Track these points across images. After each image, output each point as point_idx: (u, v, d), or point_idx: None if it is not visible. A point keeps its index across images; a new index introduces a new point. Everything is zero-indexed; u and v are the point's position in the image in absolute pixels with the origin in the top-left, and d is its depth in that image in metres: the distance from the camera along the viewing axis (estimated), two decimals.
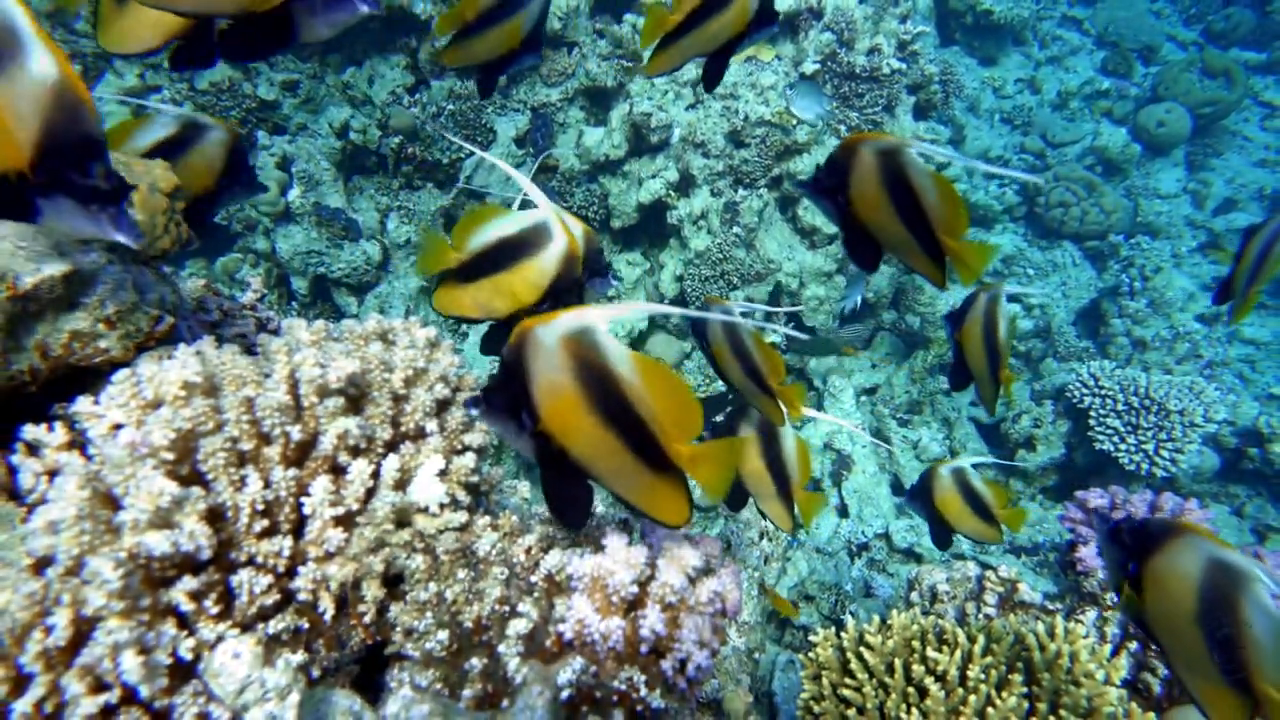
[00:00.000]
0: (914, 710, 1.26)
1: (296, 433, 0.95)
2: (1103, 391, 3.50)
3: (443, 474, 1.03)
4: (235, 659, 0.84)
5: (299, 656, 0.90)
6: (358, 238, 3.46)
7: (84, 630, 0.80)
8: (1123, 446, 3.40)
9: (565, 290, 1.10)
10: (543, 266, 1.10)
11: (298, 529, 0.95)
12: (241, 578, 0.88)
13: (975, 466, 1.72)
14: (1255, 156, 5.45)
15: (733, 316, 1.21)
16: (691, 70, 3.68)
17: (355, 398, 1.03)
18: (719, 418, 1.48)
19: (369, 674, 1.00)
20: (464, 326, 3.64)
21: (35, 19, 0.71)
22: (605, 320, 0.78)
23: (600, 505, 1.15)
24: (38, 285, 0.97)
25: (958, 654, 1.30)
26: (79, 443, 0.93)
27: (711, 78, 1.33)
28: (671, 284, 3.60)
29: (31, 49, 0.70)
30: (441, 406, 1.09)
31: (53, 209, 0.78)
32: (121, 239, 0.78)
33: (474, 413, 1.00)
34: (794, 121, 3.50)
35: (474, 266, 1.13)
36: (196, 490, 0.88)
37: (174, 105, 2.19)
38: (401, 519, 1.01)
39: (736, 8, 1.25)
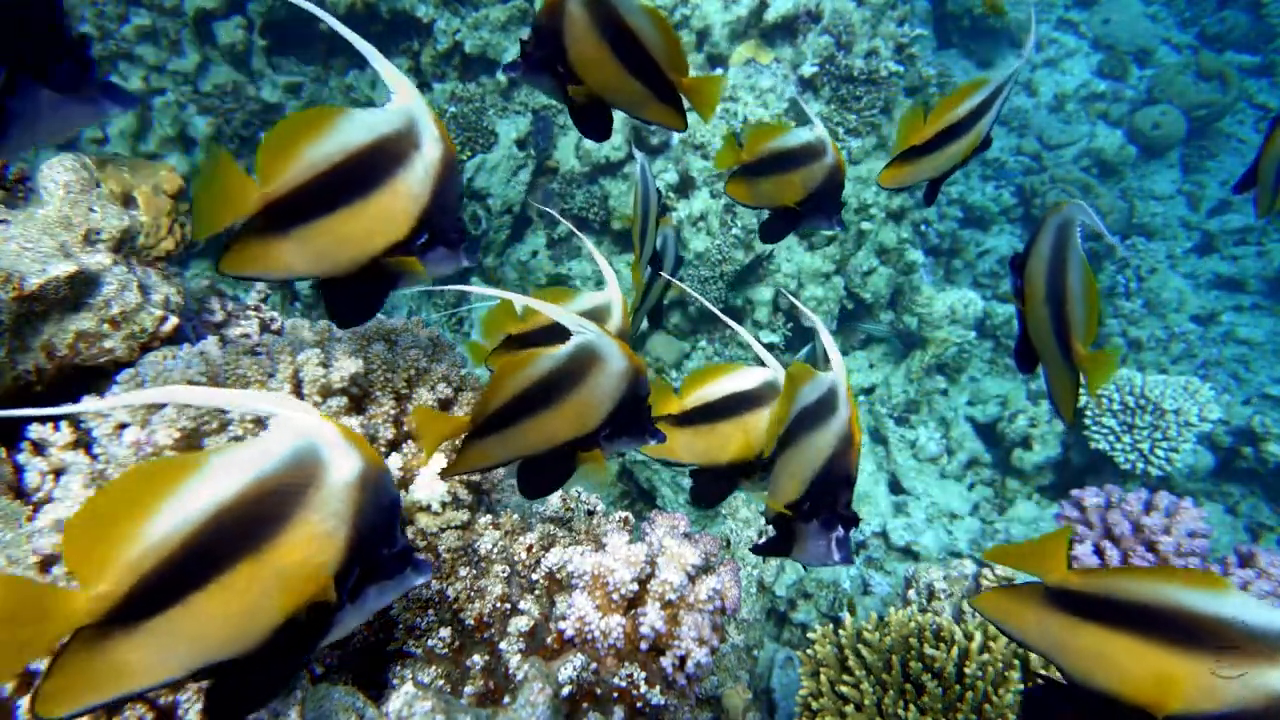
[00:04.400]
0: (911, 707, 1.27)
1: None
2: (1099, 391, 3.51)
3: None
4: None
5: None
6: None
7: None
8: (1118, 446, 3.42)
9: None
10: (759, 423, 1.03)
11: None
12: None
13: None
14: (1250, 159, 5.47)
15: None
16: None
17: (358, 397, 1.04)
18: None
19: (372, 671, 1.00)
20: (465, 326, 3.65)
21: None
22: None
23: (600, 504, 1.16)
24: (43, 286, 0.98)
25: (954, 651, 1.31)
26: (85, 442, 0.94)
27: (930, 196, 1.40)
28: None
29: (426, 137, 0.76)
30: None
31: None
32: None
33: (513, 74, 1.01)
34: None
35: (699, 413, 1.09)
36: None
37: None
38: (404, 517, 1.01)
39: (973, 134, 1.28)
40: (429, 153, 0.78)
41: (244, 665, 0.62)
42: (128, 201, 1.15)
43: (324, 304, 0.85)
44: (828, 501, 0.93)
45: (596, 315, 1.08)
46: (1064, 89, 5.75)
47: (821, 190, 1.35)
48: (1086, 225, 1.07)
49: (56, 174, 1.07)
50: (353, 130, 0.76)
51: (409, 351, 1.09)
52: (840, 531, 0.93)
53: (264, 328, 1.28)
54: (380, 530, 0.65)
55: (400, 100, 0.78)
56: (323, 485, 0.61)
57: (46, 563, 0.85)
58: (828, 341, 0.99)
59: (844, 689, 1.32)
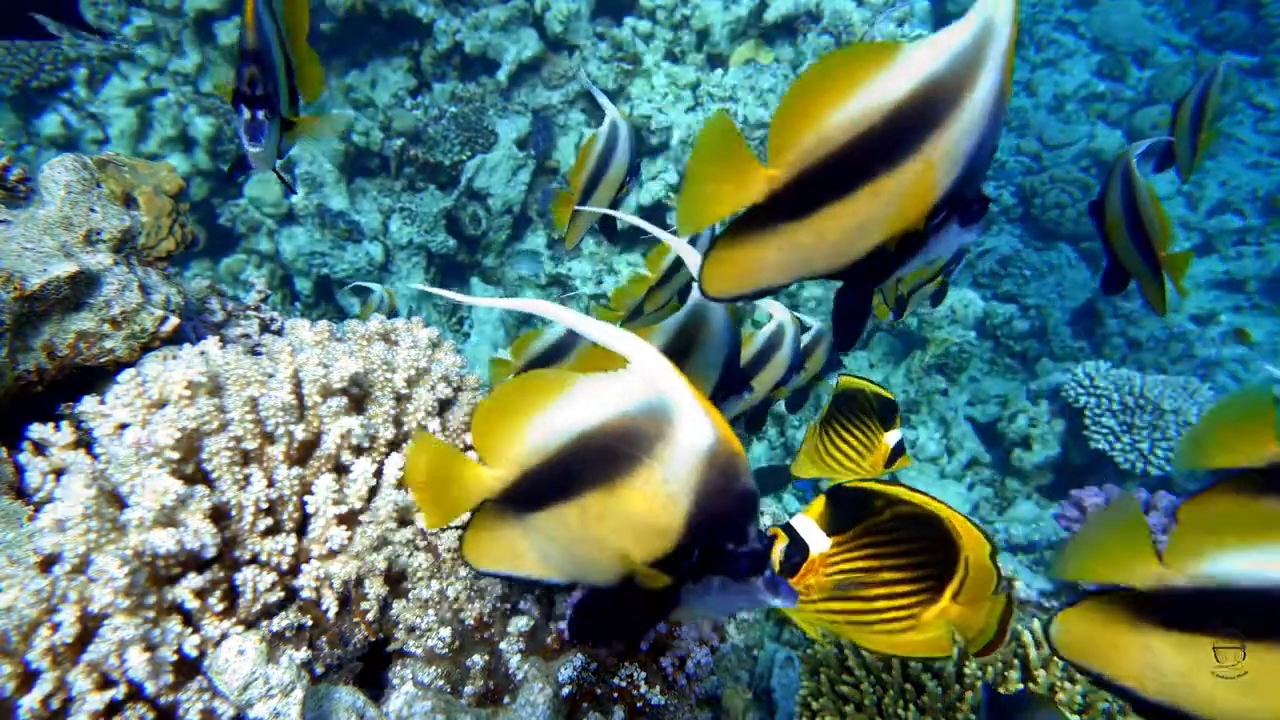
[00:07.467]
0: (911, 707, 1.27)
1: (300, 432, 0.96)
2: (1098, 391, 3.52)
3: None
4: (239, 656, 0.85)
5: (302, 653, 0.91)
6: (360, 239, 3.48)
7: (90, 627, 0.81)
8: (1118, 445, 3.42)
9: None
10: None
11: (301, 527, 0.96)
12: (245, 575, 0.89)
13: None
14: (1249, 159, 5.47)
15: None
16: (690, 73, 3.69)
17: (358, 397, 1.04)
18: None
19: (372, 671, 1.00)
20: (465, 326, 3.65)
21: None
22: None
23: None
24: (44, 286, 0.98)
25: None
26: (85, 442, 0.94)
27: None
28: None
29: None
30: (444, 406, 1.10)
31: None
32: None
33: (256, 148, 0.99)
34: None
35: None
36: (201, 489, 0.89)
37: None
38: (404, 517, 1.02)
39: None
40: None
41: (605, 598, 0.65)
42: (128, 202, 1.15)
43: None
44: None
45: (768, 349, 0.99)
46: (1063, 89, 5.75)
47: None
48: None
49: (58, 174, 1.07)
50: None
51: (409, 351, 1.09)
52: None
53: (264, 328, 1.28)
54: (726, 518, 0.59)
55: None
56: (671, 442, 0.58)
57: (47, 562, 0.85)
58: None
59: (844, 689, 1.32)
